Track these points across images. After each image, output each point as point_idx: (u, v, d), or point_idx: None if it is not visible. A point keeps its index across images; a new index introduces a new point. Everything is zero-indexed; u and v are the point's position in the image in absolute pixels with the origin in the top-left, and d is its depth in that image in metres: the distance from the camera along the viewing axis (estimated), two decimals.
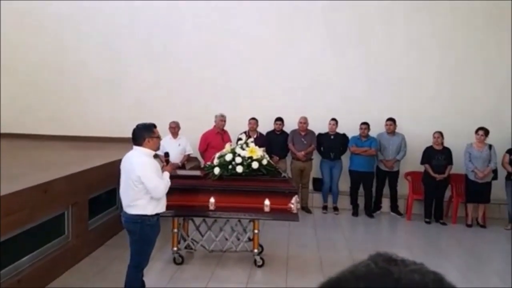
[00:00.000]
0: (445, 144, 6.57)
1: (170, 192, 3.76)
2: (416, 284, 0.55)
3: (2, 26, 7.72)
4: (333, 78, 7.43)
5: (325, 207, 7.09)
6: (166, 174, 3.56)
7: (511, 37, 6.97)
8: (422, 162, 6.61)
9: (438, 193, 6.51)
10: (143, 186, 3.29)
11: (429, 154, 6.55)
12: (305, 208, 6.94)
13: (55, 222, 4.29)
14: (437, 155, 6.49)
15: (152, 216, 3.38)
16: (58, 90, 7.88)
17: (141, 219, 3.34)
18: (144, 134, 3.38)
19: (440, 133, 6.53)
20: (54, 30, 7.87)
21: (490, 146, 6.36)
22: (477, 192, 6.32)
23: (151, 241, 3.48)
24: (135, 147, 3.42)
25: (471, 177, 6.34)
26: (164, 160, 3.80)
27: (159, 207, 3.45)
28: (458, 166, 6.55)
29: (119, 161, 3.56)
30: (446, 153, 6.49)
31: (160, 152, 5.15)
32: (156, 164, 3.43)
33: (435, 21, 7.22)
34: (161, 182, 3.37)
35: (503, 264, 5.10)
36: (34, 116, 7.78)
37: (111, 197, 5.44)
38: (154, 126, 3.48)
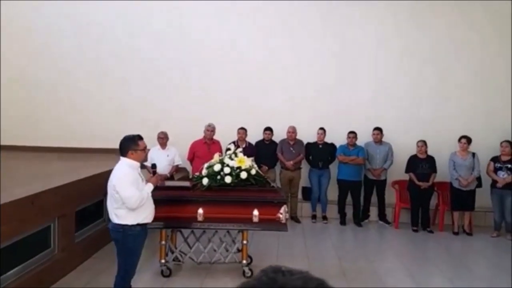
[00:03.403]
0: (432, 152, 6.66)
1: (158, 204, 3.75)
2: None
3: None
4: (321, 88, 7.51)
5: (314, 216, 7.11)
6: (149, 186, 3.55)
7: (497, 47, 7.18)
8: (407, 171, 6.70)
9: (423, 201, 6.59)
10: (119, 196, 3.32)
11: (413, 163, 6.65)
12: (294, 218, 6.95)
13: (41, 234, 4.23)
14: (421, 163, 6.59)
15: (133, 226, 3.39)
16: (45, 102, 7.81)
17: (123, 229, 3.38)
18: (128, 146, 3.44)
19: (424, 142, 6.64)
20: (42, 41, 7.83)
21: (473, 154, 6.48)
22: (462, 199, 6.41)
23: (135, 250, 3.49)
24: (121, 158, 3.47)
25: (456, 185, 6.45)
26: (151, 171, 3.79)
27: (141, 217, 3.44)
28: (444, 174, 6.65)
29: (106, 172, 3.58)
30: (430, 162, 6.60)
31: (148, 163, 5.12)
32: (134, 175, 3.42)
33: (419, 31, 7.38)
34: (135, 193, 3.32)
35: (489, 271, 5.19)
36: (21, 128, 7.68)
37: (98, 209, 5.38)
38: (139, 138, 3.52)
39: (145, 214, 3.48)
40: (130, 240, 3.40)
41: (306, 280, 0.66)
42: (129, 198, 3.30)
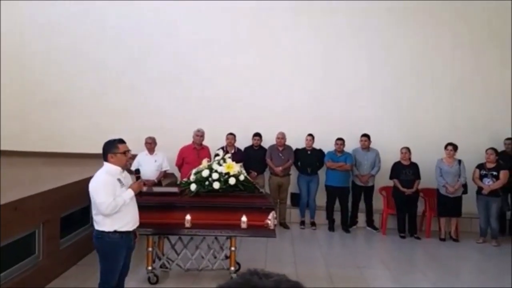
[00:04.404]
0: (416, 159, 6.73)
1: (145, 210, 3.71)
2: None
3: None
4: (309, 94, 7.55)
5: (302, 222, 7.11)
6: (128, 193, 3.41)
7: (484, 52, 7.31)
8: (391, 177, 6.77)
9: (409, 208, 6.64)
10: (94, 201, 3.32)
11: (397, 169, 6.72)
12: (283, 224, 6.95)
13: (25, 241, 4.15)
14: (405, 170, 6.67)
15: (111, 232, 3.32)
16: (31, 105, 7.71)
17: (101, 235, 3.34)
18: (108, 149, 3.41)
19: (408, 149, 6.71)
20: (33, 44, 7.75)
21: (459, 161, 6.56)
22: (449, 206, 6.48)
23: (114, 259, 3.39)
24: (104, 163, 3.45)
25: (442, 191, 6.51)
26: (135, 177, 3.74)
27: (118, 224, 3.34)
28: (430, 181, 6.72)
29: (92, 178, 3.51)
30: (414, 168, 6.67)
31: (134, 168, 5.06)
32: (110, 181, 3.33)
33: (404, 38, 7.47)
34: (107, 200, 3.24)
35: (475, 277, 5.23)
36: (6, 132, 7.55)
37: (84, 215, 5.30)
38: (120, 141, 3.45)
39: (124, 221, 3.38)
40: (107, 247, 3.34)
41: (280, 282, 0.67)
42: (100, 204, 3.25)
